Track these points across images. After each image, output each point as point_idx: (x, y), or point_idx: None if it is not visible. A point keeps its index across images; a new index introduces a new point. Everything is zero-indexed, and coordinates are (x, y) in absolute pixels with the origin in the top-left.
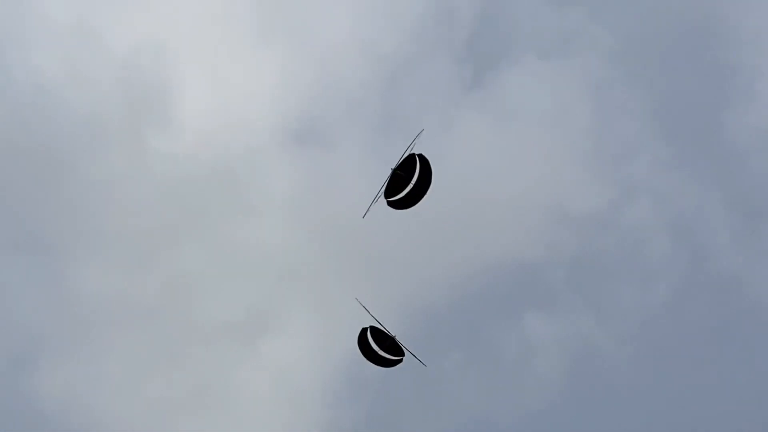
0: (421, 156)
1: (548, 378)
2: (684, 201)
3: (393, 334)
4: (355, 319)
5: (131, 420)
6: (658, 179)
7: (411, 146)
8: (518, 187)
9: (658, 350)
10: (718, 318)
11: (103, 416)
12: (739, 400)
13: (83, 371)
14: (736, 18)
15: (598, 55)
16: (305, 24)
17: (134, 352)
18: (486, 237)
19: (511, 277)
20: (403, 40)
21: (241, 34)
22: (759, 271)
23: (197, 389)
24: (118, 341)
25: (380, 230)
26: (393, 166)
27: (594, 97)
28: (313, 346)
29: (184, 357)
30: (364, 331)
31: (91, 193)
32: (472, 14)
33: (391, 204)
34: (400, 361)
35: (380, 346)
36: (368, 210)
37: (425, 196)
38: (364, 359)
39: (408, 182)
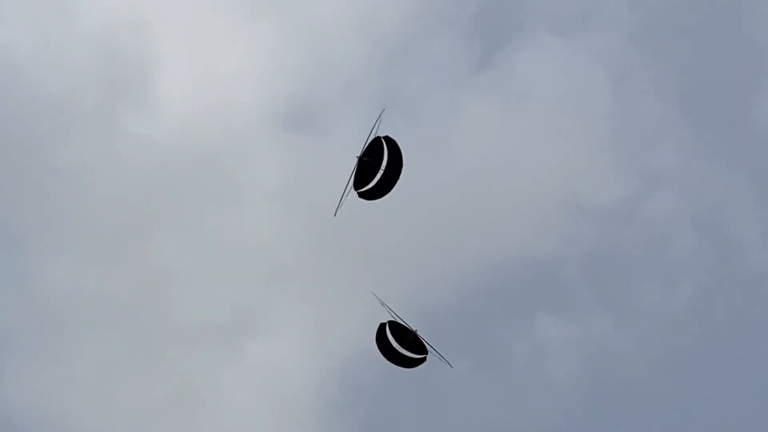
0: (387, 138)
1: (561, 384)
2: (711, 192)
3: (414, 328)
4: (350, 319)
5: (106, 427)
6: (682, 169)
7: (374, 129)
8: (530, 177)
9: (681, 354)
10: (747, 319)
11: (76, 423)
12: None
13: (53, 375)
14: None
15: (618, 33)
16: None
17: (109, 354)
18: (495, 231)
19: (522, 274)
20: (403, 15)
21: (227, 9)
22: None
23: (177, 395)
24: (92, 342)
25: (379, 224)
26: (358, 154)
27: (614, 78)
28: (303, 349)
29: (163, 359)
30: (382, 326)
31: (62, 179)
32: None
33: (362, 195)
34: (423, 360)
35: (401, 344)
36: (339, 206)
37: (398, 182)
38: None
39: (377, 169)
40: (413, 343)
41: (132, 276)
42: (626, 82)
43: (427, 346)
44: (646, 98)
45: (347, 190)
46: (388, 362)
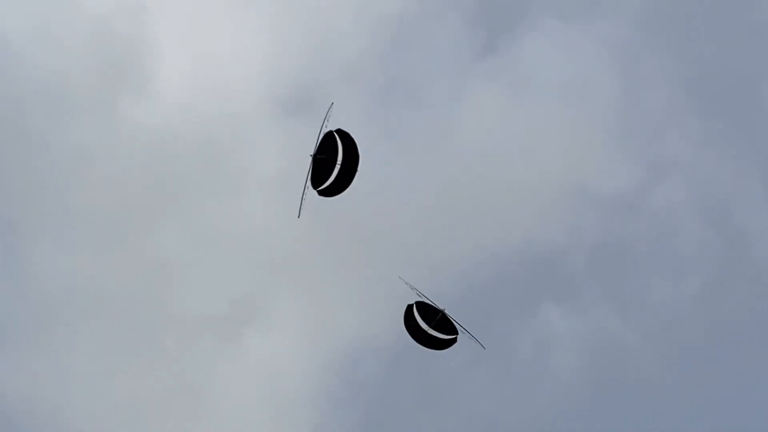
0: (339, 131)
1: (566, 377)
2: (720, 183)
3: (442, 307)
4: (350, 312)
5: (100, 421)
6: (691, 158)
7: (325, 123)
8: (535, 166)
9: (689, 347)
10: (756, 312)
11: (69, 417)
12: None
13: (48, 366)
14: None
15: (626, 19)
16: None
17: (104, 346)
18: (498, 221)
19: (527, 265)
20: None
21: None
22: None
23: (174, 388)
24: (86, 333)
25: (381, 214)
26: (311, 152)
27: (621, 65)
28: (303, 341)
29: (159, 352)
30: (409, 308)
31: (58, 166)
32: None
33: (322, 193)
34: (454, 341)
35: (429, 324)
36: (300, 209)
37: (356, 174)
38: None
39: (333, 165)
40: (442, 323)
41: (129, 266)
42: (634, 69)
43: (457, 326)
44: (654, 86)
45: (305, 191)
46: (420, 346)
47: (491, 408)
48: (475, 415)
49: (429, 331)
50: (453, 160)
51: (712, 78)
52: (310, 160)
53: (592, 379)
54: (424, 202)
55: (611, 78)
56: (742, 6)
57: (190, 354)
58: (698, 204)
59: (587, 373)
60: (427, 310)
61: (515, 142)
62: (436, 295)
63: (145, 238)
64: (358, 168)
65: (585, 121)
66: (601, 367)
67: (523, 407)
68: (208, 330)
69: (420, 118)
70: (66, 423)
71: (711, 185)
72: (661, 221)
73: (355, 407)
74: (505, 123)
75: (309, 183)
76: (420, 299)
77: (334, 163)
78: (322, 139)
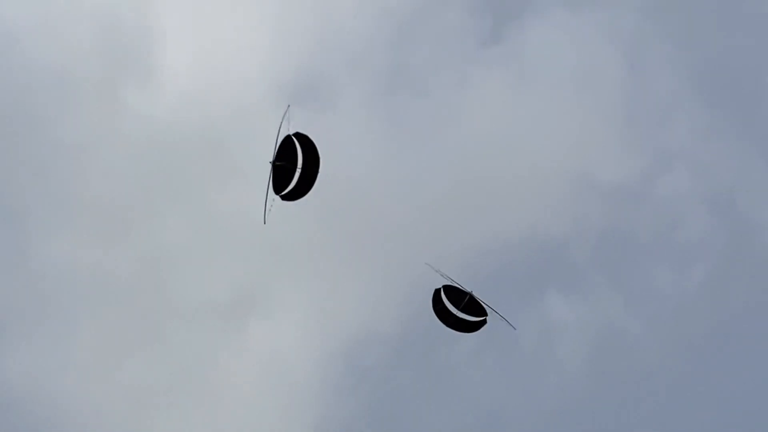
0: (297, 135)
1: (570, 365)
2: (725, 172)
3: (469, 290)
4: (354, 301)
5: (102, 409)
6: (696, 147)
7: (281, 128)
8: (540, 155)
9: (693, 336)
10: (760, 301)
11: (71, 405)
12: None
13: (51, 354)
14: None
15: (632, 7)
16: None
17: (107, 334)
18: (504, 210)
19: (532, 254)
20: None
21: None
22: None
23: (177, 376)
24: (89, 321)
25: (386, 202)
26: (271, 159)
27: (627, 53)
28: (308, 331)
29: (162, 340)
30: (437, 292)
31: (62, 156)
32: None
33: (285, 198)
34: (484, 322)
35: (457, 307)
36: (266, 215)
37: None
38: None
39: (294, 169)
40: (471, 306)
41: (132, 254)
42: (639, 58)
43: (486, 308)
44: (660, 75)
45: (268, 197)
46: (449, 329)
47: (496, 396)
48: (480, 403)
49: (458, 314)
50: (458, 149)
51: (717, 67)
52: (269, 167)
53: (597, 368)
54: (428, 191)
55: (616, 67)
56: None
57: (194, 342)
58: (703, 193)
59: (592, 362)
60: (454, 293)
61: (520, 130)
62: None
63: (149, 227)
64: (319, 170)
65: (590, 110)
66: (605, 355)
67: (527, 395)
68: (212, 319)
69: (425, 106)
70: (70, 411)
71: (716, 175)
72: (666, 210)
73: (359, 395)
74: (511, 111)
75: (271, 190)
76: (449, 283)
77: (294, 168)
78: (281, 145)
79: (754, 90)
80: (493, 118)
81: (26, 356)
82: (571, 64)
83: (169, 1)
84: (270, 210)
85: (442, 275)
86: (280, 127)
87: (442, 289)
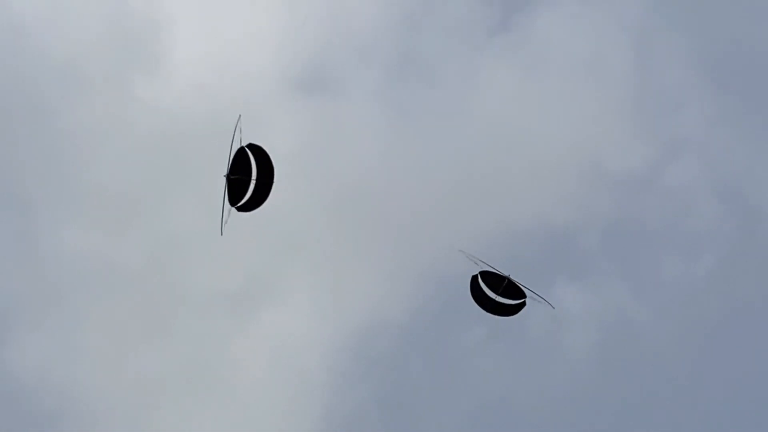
0: (251, 146)
1: (579, 354)
2: (735, 160)
3: (506, 274)
4: (366, 287)
5: (112, 399)
6: (706, 136)
7: (234, 140)
8: (549, 144)
9: (703, 326)
10: None
11: (81, 394)
12: None
13: (61, 343)
14: None
15: None
16: None
17: (117, 323)
18: (511, 199)
19: (540, 243)
20: None
21: None
22: None
23: (188, 366)
24: (99, 311)
25: (395, 191)
26: (225, 172)
27: (637, 42)
28: (319, 319)
29: (173, 329)
30: (474, 278)
31: (71, 145)
32: None
33: (241, 209)
34: (523, 304)
35: (496, 292)
36: (222, 226)
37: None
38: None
39: (249, 181)
40: (509, 289)
41: (142, 242)
42: (649, 46)
43: (525, 290)
44: (670, 63)
45: (224, 210)
46: (489, 314)
47: (504, 385)
48: (488, 392)
49: (497, 299)
50: (466, 138)
51: (728, 55)
52: (224, 180)
53: (605, 357)
54: (436, 180)
55: (626, 55)
56: None
57: (204, 331)
58: (713, 182)
59: (600, 351)
60: (492, 279)
61: (529, 119)
62: (450, 272)
63: (159, 216)
64: (274, 181)
65: (600, 99)
66: (613, 344)
67: (535, 384)
68: (222, 307)
69: (434, 95)
70: (80, 401)
71: (726, 163)
72: (676, 199)
73: (369, 383)
74: (519, 100)
75: (227, 203)
76: (485, 269)
77: (249, 180)
78: (234, 157)
79: (765, 78)
80: (501, 106)
81: (35, 346)
82: (580, 53)
83: None
84: (226, 223)
85: (476, 262)
86: (233, 139)
87: (479, 275)
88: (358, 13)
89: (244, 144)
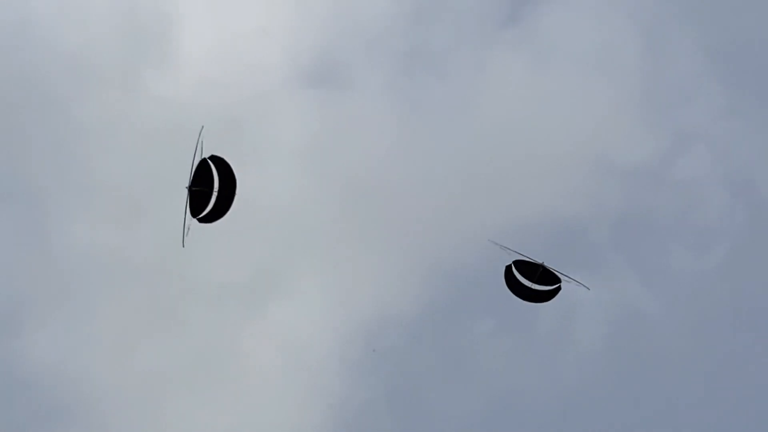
0: (213, 158)
1: (588, 347)
2: (745, 152)
3: (540, 261)
4: (376, 281)
5: (122, 391)
6: (716, 127)
7: (197, 151)
8: (558, 136)
9: (713, 319)
10: None
11: (91, 387)
12: None
13: (71, 335)
14: None
15: None
16: None
17: (127, 316)
18: (520, 192)
19: (549, 235)
20: None
21: None
22: None
23: (197, 358)
24: (109, 304)
25: (404, 184)
26: (187, 184)
27: (646, 34)
28: (328, 312)
29: (182, 322)
30: (508, 268)
31: (81, 139)
32: None
33: (202, 220)
34: (558, 290)
35: (531, 280)
36: (184, 237)
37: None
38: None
39: (211, 192)
40: (544, 276)
41: (151, 235)
42: (658, 38)
43: (559, 275)
44: (679, 55)
45: (185, 221)
46: (522, 300)
47: (514, 378)
48: (497, 384)
49: (533, 287)
50: (475, 131)
51: (738, 47)
52: (185, 192)
53: (615, 350)
54: (446, 173)
55: (636, 47)
56: None
57: (214, 324)
58: (723, 174)
59: (610, 344)
60: (525, 268)
61: (539, 112)
62: (458, 267)
63: (168, 208)
64: (236, 192)
65: (609, 91)
66: (623, 337)
67: (545, 377)
68: (232, 300)
69: (443, 88)
70: (90, 393)
71: (735, 155)
72: (685, 191)
73: (378, 377)
74: (529, 93)
75: (189, 214)
76: (519, 258)
77: (211, 191)
78: (196, 169)
79: None
80: (510, 99)
81: (46, 339)
82: (589, 46)
83: None
84: (187, 234)
85: (509, 252)
86: (195, 151)
87: (513, 265)
88: (367, 6)
89: (206, 156)
